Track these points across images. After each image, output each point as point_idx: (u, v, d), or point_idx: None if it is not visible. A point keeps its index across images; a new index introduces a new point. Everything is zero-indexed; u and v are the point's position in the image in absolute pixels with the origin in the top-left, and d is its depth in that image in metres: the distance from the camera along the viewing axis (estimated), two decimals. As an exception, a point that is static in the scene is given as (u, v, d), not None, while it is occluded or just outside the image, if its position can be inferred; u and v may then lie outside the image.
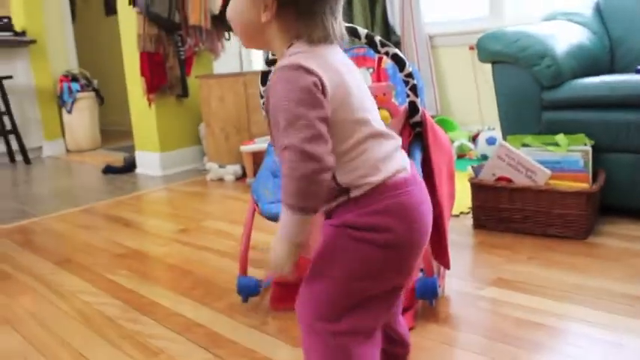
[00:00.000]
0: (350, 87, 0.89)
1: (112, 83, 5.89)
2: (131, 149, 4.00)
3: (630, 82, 2.00)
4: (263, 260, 1.83)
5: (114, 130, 6.15)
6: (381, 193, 0.88)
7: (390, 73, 1.80)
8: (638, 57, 2.46)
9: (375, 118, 0.94)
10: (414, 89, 1.46)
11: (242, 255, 1.54)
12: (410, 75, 1.44)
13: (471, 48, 3.40)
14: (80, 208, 2.88)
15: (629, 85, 1.99)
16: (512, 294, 1.54)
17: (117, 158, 4.21)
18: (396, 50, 1.43)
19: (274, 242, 0.87)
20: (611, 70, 2.47)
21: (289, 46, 0.90)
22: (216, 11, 3.41)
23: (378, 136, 0.92)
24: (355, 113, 0.90)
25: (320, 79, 0.83)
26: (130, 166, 3.83)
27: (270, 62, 1.54)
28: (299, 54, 0.87)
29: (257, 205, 1.54)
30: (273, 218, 1.53)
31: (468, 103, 3.52)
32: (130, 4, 3.36)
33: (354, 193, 0.88)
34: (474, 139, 3.27)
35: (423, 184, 0.96)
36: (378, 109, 1.37)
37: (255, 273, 1.67)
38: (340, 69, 0.89)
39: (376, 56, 1.68)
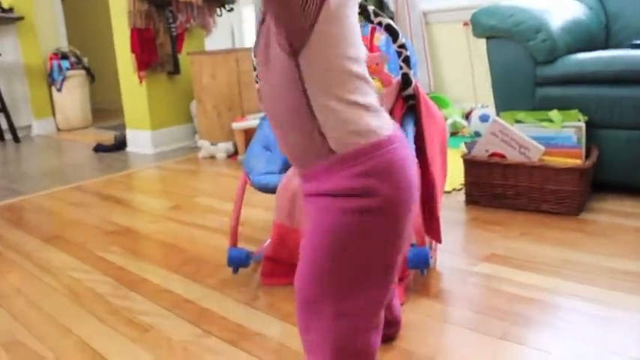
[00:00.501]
0: (349, 20, 0.82)
1: (103, 60, 5.82)
2: (122, 127, 3.96)
3: (624, 57, 1.98)
4: (255, 237, 1.82)
5: (105, 107, 6.10)
6: (368, 153, 0.82)
7: (383, 50, 1.77)
8: (633, 33, 2.44)
9: (363, 62, 0.86)
10: (406, 61, 1.44)
11: (232, 227, 1.53)
12: (403, 46, 1.42)
13: (465, 24, 3.36)
14: (70, 186, 2.86)
15: (623, 60, 1.97)
16: (505, 270, 1.54)
17: (108, 137, 4.17)
18: (389, 20, 1.40)
19: None
20: (606, 46, 2.45)
21: None
22: (208, -14, 3.36)
23: (367, 81, 0.85)
24: (348, 51, 0.82)
25: None
26: (121, 144, 3.80)
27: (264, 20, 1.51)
28: None
29: (248, 177, 1.52)
30: (265, 189, 1.52)
31: (461, 80, 3.49)
32: (119, -22, 3.30)
33: (337, 149, 0.82)
34: (467, 116, 3.25)
35: (406, 141, 0.90)
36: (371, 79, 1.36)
37: (246, 247, 1.65)
38: None
39: (369, 27, 1.64)
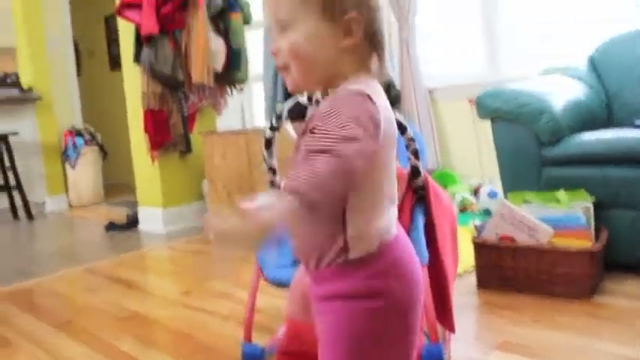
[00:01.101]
0: (394, 144, 0.86)
1: (116, 136, 5.96)
2: (134, 204, 4.01)
3: (628, 138, 2.02)
4: (268, 325, 1.82)
5: (116, 183, 6.18)
6: (378, 254, 0.85)
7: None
8: (634, 110, 2.49)
9: None
10: (415, 153, 1.48)
11: (247, 321, 1.53)
12: (411, 139, 1.46)
13: (470, 101, 3.44)
14: (82, 267, 2.87)
15: (626, 141, 2.02)
16: (518, 358, 1.52)
17: (120, 214, 4.22)
18: (398, 115, 1.45)
19: (243, 211, 0.70)
20: (608, 124, 2.50)
21: (349, 79, 0.85)
22: (219, 68, 3.48)
23: (393, 199, 0.90)
24: (391, 166, 0.87)
25: (378, 115, 0.79)
26: (132, 223, 3.84)
27: (273, 128, 1.56)
28: (361, 84, 0.82)
29: (262, 271, 1.54)
30: (278, 284, 1.53)
31: (468, 156, 3.54)
32: (134, 61, 3.43)
33: (353, 255, 0.84)
34: (475, 192, 3.28)
35: (405, 235, 0.94)
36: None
37: (259, 338, 1.64)
38: (390, 113, 0.86)
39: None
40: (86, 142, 5.11)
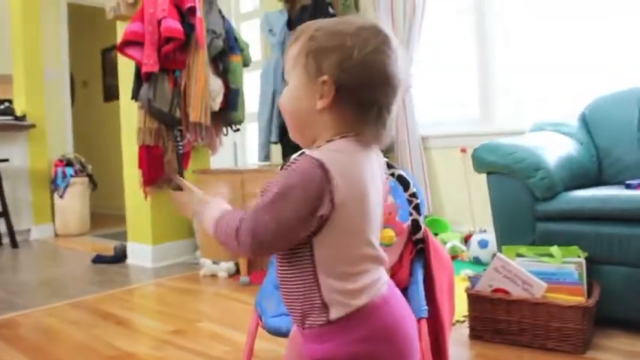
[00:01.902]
0: (368, 208, 0.87)
1: (107, 166, 5.97)
2: (122, 236, 3.98)
3: (620, 196, 2.07)
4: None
5: (105, 213, 6.14)
6: (364, 317, 0.84)
7: (392, 185, 1.85)
8: (624, 167, 2.55)
9: (378, 238, 0.93)
10: (417, 208, 1.51)
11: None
12: (414, 195, 1.50)
13: (462, 150, 3.51)
14: (70, 302, 2.83)
15: (618, 199, 2.06)
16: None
17: (107, 246, 4.18)
18: (402, 172, 1.49)
19: (202, 205, 1.02)
20: (599, 180, 2.56)
21: (328, 141, 0.88)
22: (217, 108, 3.52)
23: (378, 261, 0.90)
24: (367, 236, 0.88)
25: (332, 190, 0.82)
26: (120, 257, 3.80)
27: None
28: (331, 152, 0.85)
29: (260, 319, 1.54)
30: (277, 333, 1.52)
31: (459, 204, 3.59)
32: (132, 98, 3.45)
33: (333, 314, 0.84)
34: (465, 240, 3.31)
35: (400, 295, 0.93)
36: (384, 227, 1.41)
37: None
38: (366, 186, 0.87)
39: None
40: (76, 173, 5.09)
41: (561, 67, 3.17)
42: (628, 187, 2.16)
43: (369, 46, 0.87)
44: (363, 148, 0.89)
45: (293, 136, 0.95)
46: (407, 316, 0.91)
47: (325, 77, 0.86)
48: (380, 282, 0.89)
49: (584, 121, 2.77)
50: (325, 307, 0.84)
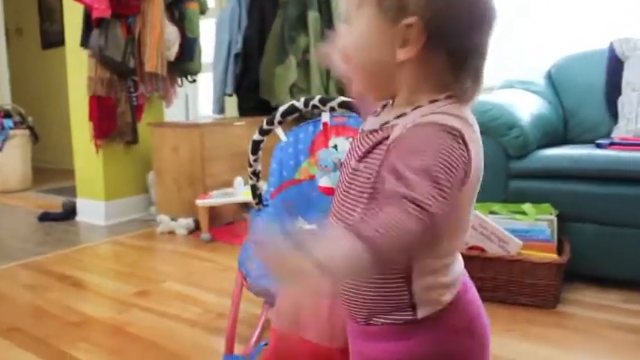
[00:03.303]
0: (479, 177, 0.71)
1: (49, 118, 5.65)
2: (68, 191, 3.78)
3: (592, 156, 2.09)
4: (243, 333, 1.74)
5: (48, 167, 5.84)
6: (449, 312, 0.73)
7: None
8: (590, 127, 2.59)
9: None
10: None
11: (229, 333, 1.46)
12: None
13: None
14: (20, 263, 2.67)
15: (590, 158, 2.09)
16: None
17: (53, 203, 3.97)
18: (342, 97, 1.42)
19: (302, 241, 0.57)
20: (565, 140, 2.58)
21: (431, 102, 0.69)
22: (172, 58, 3.34)
23: (463, 244, 0.81)
24: (469, 210, 0.73)
25: (470, 163, 0.65)
26: (69, 213, 3.61)
27: (264, 132, 1.49)
28: (456, 118, 0.66)
29: (245, 280, 1.47)
30: (264, 294, 1.46)
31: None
32: (81, 45, 3.22)
33: (421, 314, 0.71)
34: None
35: (469, 279, 0.83)
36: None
37: (236, 349, 1.57)
38: (481, 161, 0.70)
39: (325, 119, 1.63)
40: (15, 124, 4.78)
41: (528, 24, 3.15)
42: (599, 146, 2.18)
43: None
44: (468, 107, 0.71)
45: (364, 90, 0.75)
46: (480, 302, 0.81)
47: (412, 19, 0.66)
48: (459, 263, 0.78)
49: (551, 80, 2.78)
50: (413, 307, 0.72)
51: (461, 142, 0.64)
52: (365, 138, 0.73)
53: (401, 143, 0.66)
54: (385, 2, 0.67)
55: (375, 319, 0.74)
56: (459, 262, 0.78)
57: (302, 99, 1.45)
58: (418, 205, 0.58)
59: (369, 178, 0.69)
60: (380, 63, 0.70)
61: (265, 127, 1.47)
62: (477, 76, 0.71)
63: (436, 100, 0.70)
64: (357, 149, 0.73)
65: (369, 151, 0.71)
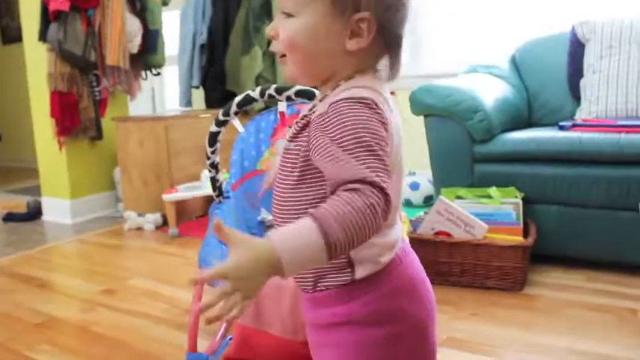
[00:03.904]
0: (402, 148, 0.77)
1: (10, 116, 5.52)
2: (33, 190, 3.70)
3: (555, 138, 2.11)
4: (207, 327, 1.72)
5: (10, 166, 5.71)
6: (390, 271, 0.76)
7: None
8: (553, 110, 2.61)
9: None
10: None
11: (191, 330, 1.43)
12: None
13: (392, 93, 3.46)
14: (-18, 265, 2.61)
15: (553, 141, 2.10)
16: (464, 355, 1.54)
17: (18, 203, 3.88)
18: (298, 86, 1.41)
19: (249, 246, 0.62)
20: (529, 123, 2.60)
21: (347, 79, 0.75)
22: (135, 50, 3.28)
23: (398, 208, 0.81)
24: (402, 178, 0.79)
25: (388, 123, 0.71)
26: (34, 213, 3.54)
27: (220, 122, 1.47)
28: (367, 89, 0.72)
29: (206, 275, 1.44)
30: (225, 289, 1.44)
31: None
32: (40, 39, 3.13)
33: (359, 273, 0.75)
34: (398, 183, 3.31)
35: (409, 245, 0.86)
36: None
37: (202, 345, 1.55)
38: (398, 122, 0.76)
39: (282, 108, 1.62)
40: (-24, 124, 4.66)
41: (491, 8, 3.16)
42: (561, 128, 2.20)
43: None
44: (383, 84, 0.78)
45: (300, 75, 0.79)
46: (422, 268, 0.84)
47: (365, 14, 0.72)
48: (398, 227, 0.81)
49: (515, 64, 2.79)
50: (351, 265, 0.75)
51: (374, 106, 0.70)
52: (299, 121, 0.78)
53: (323, 123, 0.70)
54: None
55: (320, 283, 0.77)
56: (397, 225, 0.80)
57: (258, 88, 1.42)
58: (370, 182, 0.63)
59: (297, 156, 0.75)
60: (327, 51, 0.75)
61: (221, 118, 1.44)
62: (397, 61, 0.78)
63: (351, 78, 0.76)
64: (292, 131, 0.78)
65: (299, 132, 0.76)
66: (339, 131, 0.68)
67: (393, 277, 0.76)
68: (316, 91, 1.43)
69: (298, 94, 1.42)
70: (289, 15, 0.75)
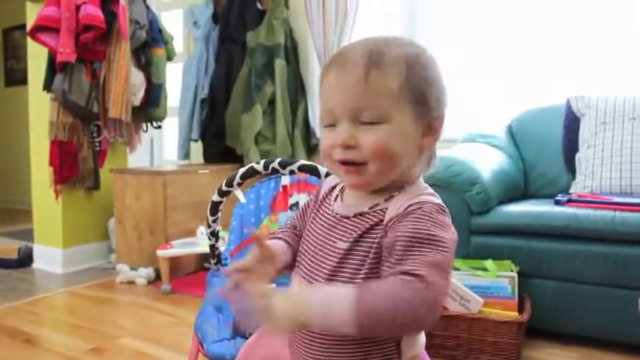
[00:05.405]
0: None
1: (9, 156, 5.56)
2: (28, 234, 3.66)
3: (551, 213, 2.12)
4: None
5: (6, 207, 5.68)
6: None
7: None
8: (549, 182, 2.64)
9: None
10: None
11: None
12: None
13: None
14: (-33, 315, 2.56)
15: (550, 216, 2.12)
16: None
17: (9, 248, 3.84)
18: (301, 161, 1.44)
19: (291, 297, 0.69)
20: (525, 194, 2.63)
21: (417, 178, 0.84)
22: (137, 103, 3.32)
23: None
24: None
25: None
26: (25, 260, 3.50)
27: (223, 193, 1.48)
28: (429, 191, 0.82)
29: (202, 345, 1.42)
30: (220, 359, 1.42)
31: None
32: (44, 89, 3.17)
33: None
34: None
35: None
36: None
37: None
38: None
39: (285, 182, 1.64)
40: (-28, 165, 4.66)
41: (489, 78, 3.23)
42: (557, 203, 2.22)
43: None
44: None
45: (378, 183, 0.80)
46: None
47: (439, 113, 0.81)
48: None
49: (511, 134, 2.84)
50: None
51: (449, 217, 0.77)
52: (350, 221, 0.79)
53: (406, 227, 0.73)
54: (420, 101, 0.78)
55: None
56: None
57: (262, 161, 1.44)
58: (422, 279, 0.67)
59: (364, 260, 0.76)
60: (409, 152, 0.80)
61: (225, 188, 1.45)
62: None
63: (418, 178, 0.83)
64: (341, 232, 0.80)
65: (363, 234, 0.77)
66: (421, 249, 0.71)
67: None
68: (319, 166, 1.44)
69: (301, 168, 1.44)
70: (372, 123, 0.76)
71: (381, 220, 0.76)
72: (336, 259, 0.77)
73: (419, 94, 0.77)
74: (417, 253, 0.70)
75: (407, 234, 0.72)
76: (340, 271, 0.77)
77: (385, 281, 0.68)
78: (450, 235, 0.73)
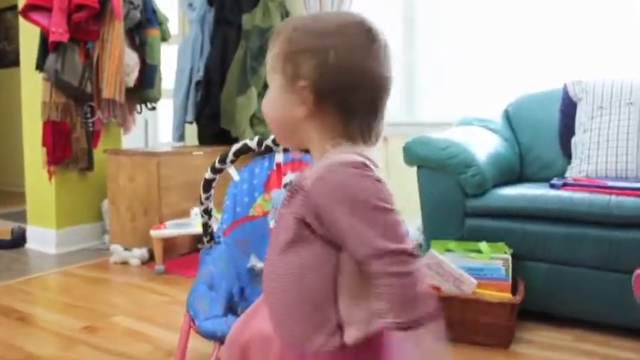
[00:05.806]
0: None
1: (2, 138, 5.48)
2: (20, 216, 3.64)
3: (546, 196, 2.12)
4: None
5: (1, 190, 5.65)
6: (374, 343, 0.80)
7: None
8: (544, 165, 2.64)
9: None
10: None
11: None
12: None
13: (384, 139, 3.50)
14: (-40, 294, 2.55)
15: (545, 199, 2.11)
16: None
17: (2, 229, 3.82)
18: None
19: None
20: (520, 177, 2.62)
21: (334, 145, 0.83)
22: (131, 84, 3.29)
23: None
24: None
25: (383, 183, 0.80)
26: (18, 241, 3.48)
27: (216, 170, 1.47)
28: (354, 154, 0.80)
29: (193, 322, 1.42)
30: (212, 337, 1.42)
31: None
32: (37, 69, 3.14)
33: (348, 337, 0.78)
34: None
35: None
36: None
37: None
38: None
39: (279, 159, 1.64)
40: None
41: (486, 62, 3.22)
42: (552, 186, 2.22)
43: (349, 46, 0.81)
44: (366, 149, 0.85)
45: (282, 142, 0.95)
46: None
47: (303, 82, 0.80)
48: None
49: (508, 118, 2.83)
50: (340, 328, 0.78)
51: (366, 169, 0.78)
52: (291, 189, 0.84)
53: (326, 191, 0.77)
54: (286, 69, 0.82)
55: (307, 345, 0.81)
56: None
57: (255, 138, 1.43)
58: (403, 253, 0.75)
59: (290, 222, 0.81)
60: (287, 118, 0.84)
61: (218, 165, 1.44)
62: (367, 129, 0.84)
63: (339, 145, 0.82)
64: (284, 199, 0.85)
65: (291, 198, 0.82)
66: (348, 201, 0.76)
67: (380, 347, 0.80)
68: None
69: (296, 145, 1.43)
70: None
71: (302, 188, 0.80)
72: (277, 222, 0.86)
73: (287, 64, 0.82)
74: (357, 223, 0.75)
75: (328, 209, 0.77)
76: (278, 233, 0.84)
77: (380, 288, 0.75)
78: (364, 184, 0.78)
